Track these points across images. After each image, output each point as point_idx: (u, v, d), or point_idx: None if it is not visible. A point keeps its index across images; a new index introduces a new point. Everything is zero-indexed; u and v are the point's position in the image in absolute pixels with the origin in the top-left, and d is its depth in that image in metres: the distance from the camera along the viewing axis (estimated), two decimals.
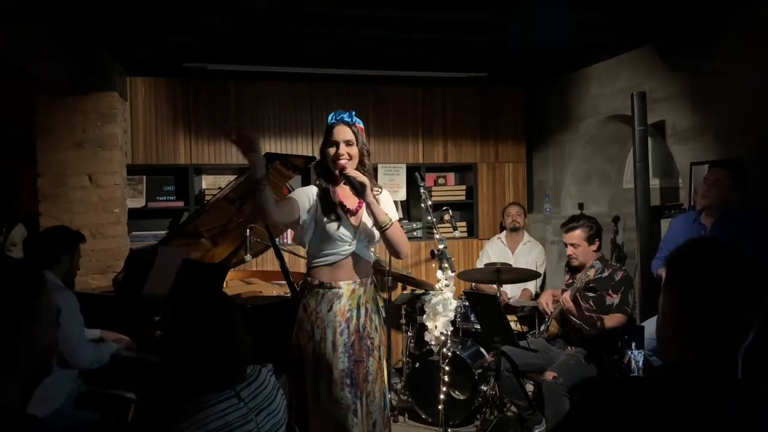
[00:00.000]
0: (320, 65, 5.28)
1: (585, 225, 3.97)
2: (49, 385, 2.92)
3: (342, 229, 2.78)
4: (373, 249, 2.95)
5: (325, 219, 2.77)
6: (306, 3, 3.81)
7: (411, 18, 4.09)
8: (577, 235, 3.95)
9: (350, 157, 2.77)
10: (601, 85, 5.19)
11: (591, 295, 3.86)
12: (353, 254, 2.83)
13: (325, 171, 2.86)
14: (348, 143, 2.78)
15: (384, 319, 2.99)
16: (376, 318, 2.91)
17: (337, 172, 2.78)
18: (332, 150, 2.78)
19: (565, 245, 4.03)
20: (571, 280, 4.00)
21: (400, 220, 3.02)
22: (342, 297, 2.80)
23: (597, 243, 3.96)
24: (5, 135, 5.07)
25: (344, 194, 2.84)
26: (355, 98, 5.62)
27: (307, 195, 2.83)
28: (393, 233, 2.80)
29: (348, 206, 2.82)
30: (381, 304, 2.99)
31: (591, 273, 3.68)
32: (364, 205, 2.80)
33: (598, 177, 5.70)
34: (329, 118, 2.85)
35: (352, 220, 2.82)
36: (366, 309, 2.86)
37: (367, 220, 2.83)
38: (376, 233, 2.84)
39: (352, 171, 2.76)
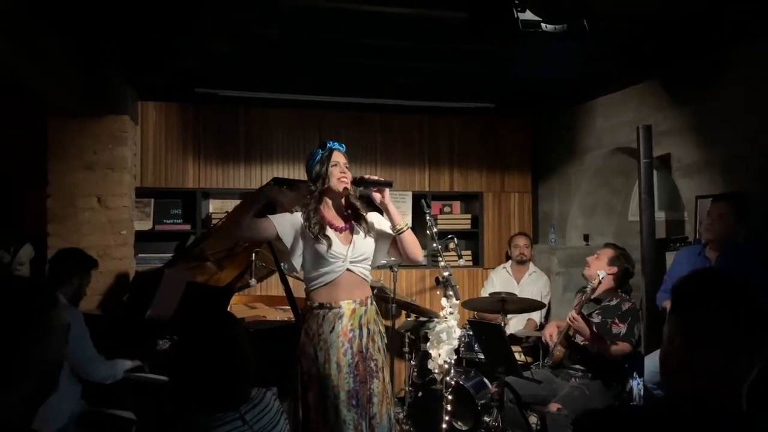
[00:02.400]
0: (329, 93, 5.35)
1: (614, 248, 4.08)
2: (52, 405, 2.91)
3: (334, 248, 2.84)
4: (368, 268, 3.00)
5: (315, 240, 2.83)
6: (315, 32, 3.88)
7: (419, 48, 4.15)
8: (604, 252, 4.09)
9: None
10: (607, 118, 5.23)
11: (596, 321, 3.87)
12: (348, 272, 2.89)
13: (323, 192, 2.93)
14: (346, 166, 2.95)
15: (386, 343, 3.03)
16: (379, 340, 2.95)
17: (349, 185, 2.91)
18: (337, 169, 2.91)
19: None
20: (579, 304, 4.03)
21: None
22: (343, 317, 2.85)
23: (615, 270, 4.00)
24: (14, 156, 5.12)
25: (330, 215, 2.94)
26: (362, 126, 5.69)
27: (290, 222, 2.90)
28: (409, 236, 2.95)
29: (336, 225, 2.92)
30: (382, 327, 3.03)
31: (596, 283, 3.80)
32: (350, 224, 2.95)
33: (604, 209, 5.71)
34: (328, 143, 2.97)
35: (342, 238, 2.91)
36: (368, 330, 2.91)
37: (358, 238, 2.93)
38: (370, 249, 2.95)
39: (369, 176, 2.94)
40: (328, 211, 2.95)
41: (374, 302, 3.02)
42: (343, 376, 2.80)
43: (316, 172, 2.94)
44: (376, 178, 2.92)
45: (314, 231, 2.83)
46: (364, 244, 2.94)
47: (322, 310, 2.86)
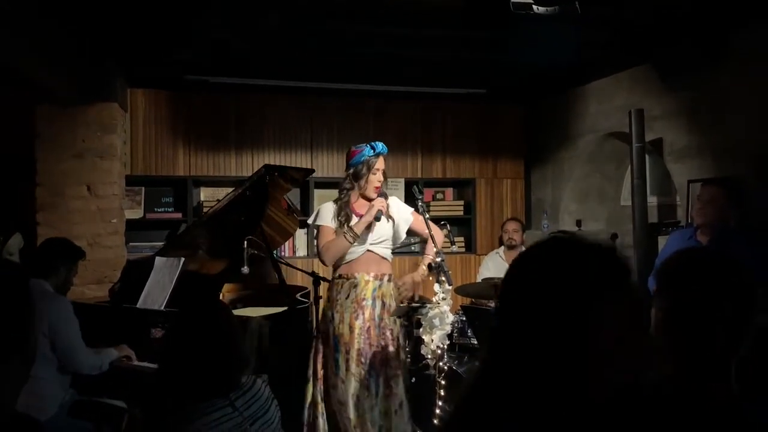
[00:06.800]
0: (321, 80, 5.31)
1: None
2: (41, 394, 2.92)
3: None
4: (388, 247, 3.45)
5: (341, 227, 3.33)
6: (308, 19, 3.84)
7: (412, 35, 4.12)
8: None
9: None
10: (600, 103, 5.22)
11: None
12: (369, 252, 3.36)
13: (358, 191, 3.37)
14: (383, 172, 3.39)
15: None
16: None
17: (375, 195, 3.33)
18: (376, 177, 3.33)
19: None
20: None
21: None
22: (357, 286, 3.33)
23: None
24: (2, 144, 5.06)
25: (358, 204, 3.39)
26: (355, 113, 5.66)
27: (330, 216, 3.37)
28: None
29: (361, 213, 3.35)
30: (396, 303, 3.44)
31: None
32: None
33: (596, 194, 5.71)
34: (377, 146, 3.34)
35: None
36: (383, 302, 3.35)
37: (379, 223, 3.31)
38: (389, 232, 3.40)
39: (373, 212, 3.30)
40: (357, 201, 3.39)
41: (392, 280, 3.45)
42: (354, 337, 3.26)
43: (357, 171, 3.35)
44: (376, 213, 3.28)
45: (341, 220, 3.33)
46: (383, 228, 3.36)
47: (341, 279, 3.37)
